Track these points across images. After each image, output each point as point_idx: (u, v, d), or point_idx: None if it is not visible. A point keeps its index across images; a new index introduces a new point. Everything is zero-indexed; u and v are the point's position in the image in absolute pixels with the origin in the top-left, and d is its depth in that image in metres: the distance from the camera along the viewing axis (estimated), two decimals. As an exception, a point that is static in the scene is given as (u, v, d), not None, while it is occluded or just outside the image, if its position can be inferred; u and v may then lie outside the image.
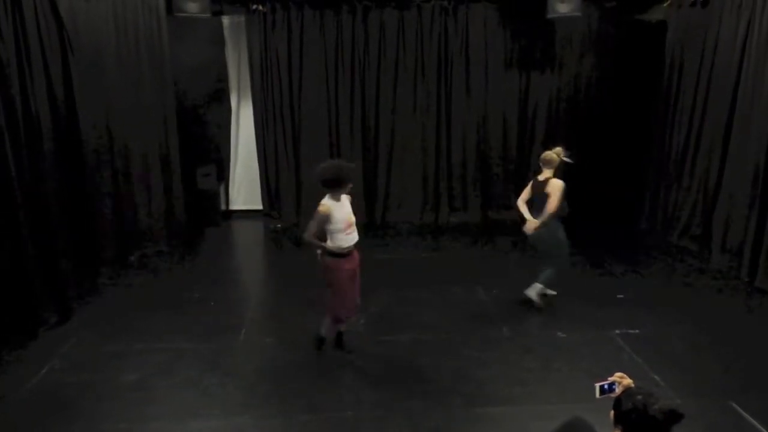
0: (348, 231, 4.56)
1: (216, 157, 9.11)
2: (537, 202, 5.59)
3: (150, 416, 4.12)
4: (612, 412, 2.37)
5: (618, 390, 2.50)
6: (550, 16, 7.83)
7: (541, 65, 8.86)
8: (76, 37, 6.19)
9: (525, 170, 9.23)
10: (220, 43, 8.81)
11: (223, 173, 9.21)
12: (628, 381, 2.52)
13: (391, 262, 7.26)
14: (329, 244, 4.55)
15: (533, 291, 5.81)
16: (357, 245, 4.69)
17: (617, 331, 5.33)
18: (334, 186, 4.48)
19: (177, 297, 6.19)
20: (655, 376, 4.53)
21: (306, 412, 4.19)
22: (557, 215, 5.53)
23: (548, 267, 5.74)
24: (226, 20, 8.77)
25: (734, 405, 4.16)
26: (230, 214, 9.37)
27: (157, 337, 5.27)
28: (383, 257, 7.44)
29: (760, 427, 3.91)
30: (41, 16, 5.65)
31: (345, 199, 4.61)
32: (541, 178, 5.57)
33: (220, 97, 8.99)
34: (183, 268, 7.22)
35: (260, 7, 8.36)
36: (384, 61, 8.74)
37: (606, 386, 2.55)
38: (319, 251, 4.63)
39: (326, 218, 4.45)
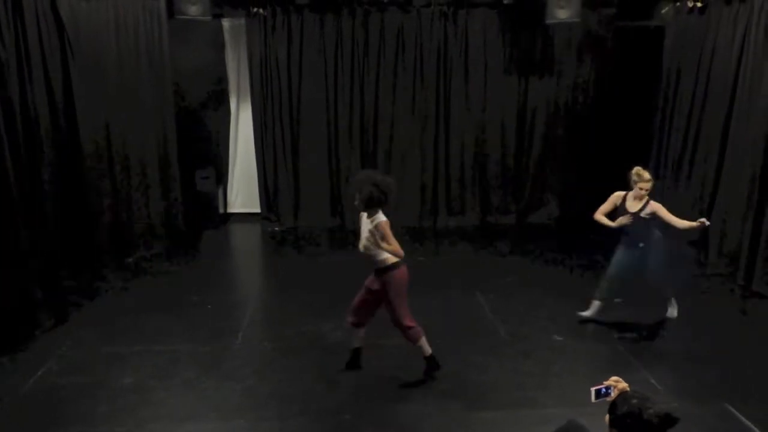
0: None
1: (215, 160, 9.11)
2: None
3: (147, 419, 4.11)
4: (607, 417, 2.37)
5: (613, 394, 2.51)
6: (549, 21, 7.85)
7: (540, 70, 8.88)
8: (76, 39, 6.20)
9: (524, 174, 9.25)
10: (220, 46, 8.83)
11: (221, 176, 9.21)
12: (623, 385, 2.53)
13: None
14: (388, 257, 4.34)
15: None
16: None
17: (615, 336, 5.34)
18: (378, 205, 4.25)
19: (175, 300, 6.18)
20: (653, 380, 4.53)
21: (303, 415, 4.18)
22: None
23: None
24: (226, 23, 8.78)
25: (731, 408, 4.17)
26: (228, 217, 9.36)
27: (154, 340, 5.26)
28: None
29: (756, 430, 3.92)
30: (42, 19, 5.67)
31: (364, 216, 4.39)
32: None
33: (219, 99, 8.99)
34: (181, 271, 7.21)
35: (261, 11, 8.37)
36: (383, 65, 8.75)
37: (602, 390, 2.55)
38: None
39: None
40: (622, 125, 8.79)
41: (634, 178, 5.31)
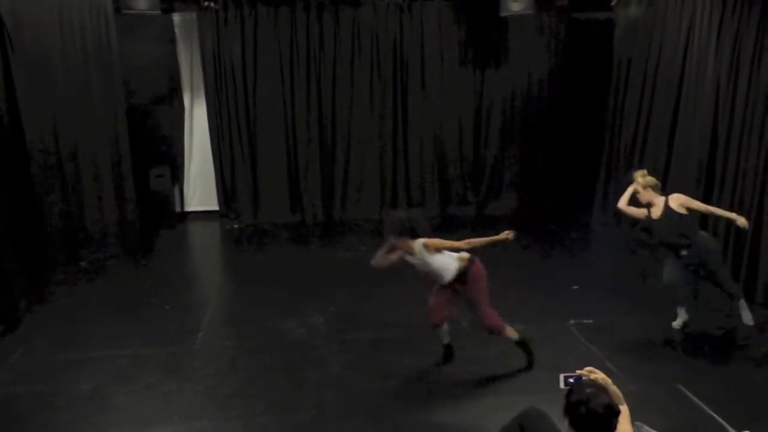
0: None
1: (169, 158, 8.92)
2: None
3: (107, 426, 4.02)
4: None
5: None
6: (503, 14, 7.94)
7: (495, 63, 8.98)
8: (17, 35, 5.96)
9: (481, 164, 9.36)
10: (171, 41, 8.63)
11: (177, 174, 9.02)
12: (600, 376, 2.50)
13: (350, 260, 7.24)
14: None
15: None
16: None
17: (572, 322, 5.48)
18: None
19: (132, 302, 6.05)
20: (609, 364, 4.66)
21: (267, 413, 4.16)
22: None
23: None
24: (176, 17, 8.58)
25: (683, 388, 4.35)
26: (185, 216, 9.19)
27: (111, 344, 5.14)
28: (343, 255, 7.42)
29: (704, 407, 4.12)
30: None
31: None
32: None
33: (172, 96, 8.79)
34: (137, 272, 7.04)
35: (212, 4, 8.20)
36: (339, 59, 8.71)
37: (572, 380, 2.53)
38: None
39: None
40: (577, 117, 8.99)
41: None
